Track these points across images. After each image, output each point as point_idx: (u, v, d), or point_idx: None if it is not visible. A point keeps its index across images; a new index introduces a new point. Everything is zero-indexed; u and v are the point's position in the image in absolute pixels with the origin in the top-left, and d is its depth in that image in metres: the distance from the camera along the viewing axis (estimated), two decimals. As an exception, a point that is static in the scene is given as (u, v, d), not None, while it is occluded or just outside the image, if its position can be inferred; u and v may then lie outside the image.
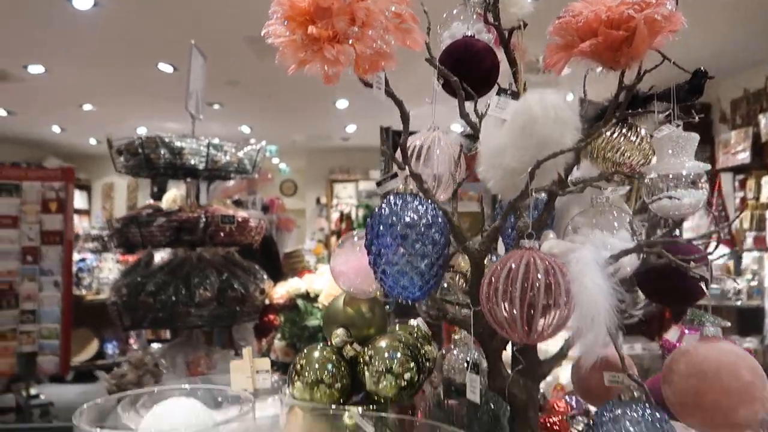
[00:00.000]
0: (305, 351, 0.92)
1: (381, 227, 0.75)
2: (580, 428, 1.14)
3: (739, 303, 5.71)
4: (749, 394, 0.67)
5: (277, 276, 3.96)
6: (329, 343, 0.93)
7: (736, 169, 6.48)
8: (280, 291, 3.46)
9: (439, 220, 0.76)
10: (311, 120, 8.69)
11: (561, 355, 0.89)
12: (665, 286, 0.82)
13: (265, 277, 3.31)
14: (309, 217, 11.24)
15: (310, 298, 3.47)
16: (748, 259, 6.34)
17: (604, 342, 0.68)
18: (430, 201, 0.78)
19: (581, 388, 0.98)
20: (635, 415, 0.72)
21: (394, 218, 0.74)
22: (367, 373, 0.86)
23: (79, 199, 9.81)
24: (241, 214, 3.18)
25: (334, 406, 0.85)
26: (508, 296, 0.69)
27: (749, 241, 6.41)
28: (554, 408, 1.17)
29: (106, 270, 6.78)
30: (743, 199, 6.45)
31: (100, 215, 10.08)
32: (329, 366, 0.88)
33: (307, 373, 0.88)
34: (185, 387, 0.94)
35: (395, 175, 0.79)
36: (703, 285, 0.77)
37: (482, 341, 0.87)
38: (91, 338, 6.57)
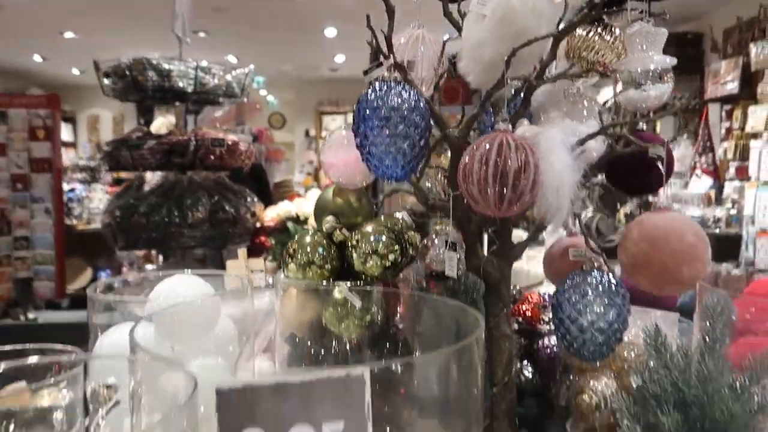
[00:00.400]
0: (297, 237, 1.00)
1: (367, 111, 0.81)
2: (550, 315, 1.24)
3: (717, 231, 5.89)
4: (692, 255, 0.75)
5: (268, 203, 4.03)
6: (320, 230, 1.00)
7: (724, 99, 6.51)
8: (271, 214, 3.53)
9: (421, 105, 0.82)
10: (299, 50, 8.53)
11: (531, 239, 0.97)
12: (628, 173, 0.89)
13: (256, 200, 3.38)
14: (298, 150, 11.21)
15: (299, 221, 3.55)
16: (729, 188, 6.49)
17: (568, 213, 0.75)
18: (413, 88, 0.83)
19: (551, 272, 1.07)
20: (594, 281, 0.81)
21: (379, 102, 0.80)
22: (354, 255, 0.94)
23: (63, 131, 9.67)
24: (231, 137, 3.21)
25: (324, 282, 0.93)
26: (482, 174, 0.75)
27: (732, 171, 6.53)
28: (528, 299, 1.27)
29: (96, 200, 6.80)
30: (729, 130, 6.52)
31: (87, 146, 9.98)
32: (320, 249, 0.96)
33: (299, 256, 0.96)
34: (186, 271, 1.01)
35: (381, 64, 0.84)
36: (662, 170, 0.84)
37: (461, 225, 0.95)
38: (84, 267, 6.68)
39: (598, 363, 1.07)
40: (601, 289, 0.80)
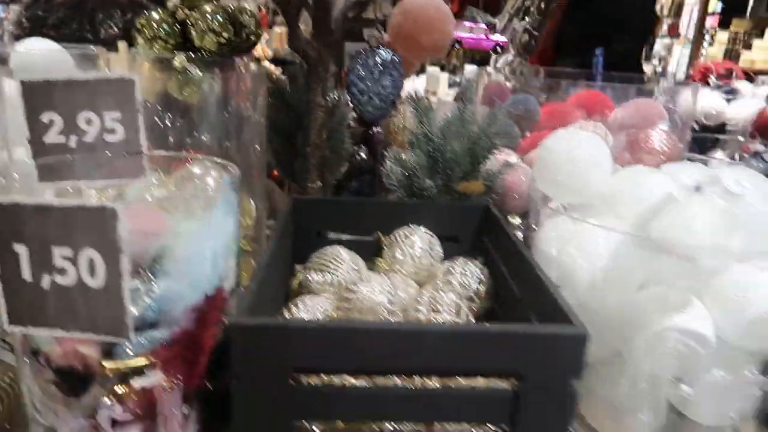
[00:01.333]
0: (145, 14, 1.14)
1: None
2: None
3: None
4: (431, 26, 0.94)
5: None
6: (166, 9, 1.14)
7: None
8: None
9: None
10: None
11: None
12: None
13: (174, 21, 3.36)
14: (240, -18, 10.55)
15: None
16: (659, 45, 6.68)
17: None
18: None
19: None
20: (377, 56, 1.01)
21: None
22: (193, 32, 1.10)
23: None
24: (143, -49, 3.11)
25: (167, 54, 1.10)
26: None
27: (665, 27, 6.69)
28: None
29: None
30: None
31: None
32: (164, 25, 1.11)
33: (147, 31, 1.11)
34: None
35: None
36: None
37: (282, 7, 1.11)
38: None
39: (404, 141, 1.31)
40: (380, 62, 1.00)
